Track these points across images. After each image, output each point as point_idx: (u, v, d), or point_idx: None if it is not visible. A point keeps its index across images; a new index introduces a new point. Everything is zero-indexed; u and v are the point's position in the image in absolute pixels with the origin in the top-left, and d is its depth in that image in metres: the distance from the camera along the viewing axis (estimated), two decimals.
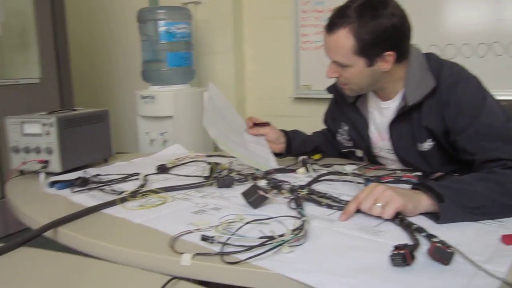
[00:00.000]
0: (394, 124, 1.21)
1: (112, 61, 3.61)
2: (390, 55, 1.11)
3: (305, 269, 0.64)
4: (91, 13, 3.64)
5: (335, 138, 1.43)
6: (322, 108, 1.52)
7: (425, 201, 0.86)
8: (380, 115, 1.27)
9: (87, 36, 3.69)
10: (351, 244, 0.74)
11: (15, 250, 0.74)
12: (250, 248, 0.69)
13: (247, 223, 0.81)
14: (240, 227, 0.79)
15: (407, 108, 1.15)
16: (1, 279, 0.64)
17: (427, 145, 1.17)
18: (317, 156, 1.42)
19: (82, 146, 1.39)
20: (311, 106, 2.74)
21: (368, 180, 1.05)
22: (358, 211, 0.87)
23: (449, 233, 0.77)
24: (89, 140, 1.42)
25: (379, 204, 0.83)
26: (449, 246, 0.67)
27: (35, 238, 0.80)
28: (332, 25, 1.12)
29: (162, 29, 2.54)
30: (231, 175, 1.18)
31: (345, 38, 1.09)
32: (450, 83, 1.10)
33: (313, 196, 0.96)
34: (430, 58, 1.18)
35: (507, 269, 0.64)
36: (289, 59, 2.78)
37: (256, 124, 1.40)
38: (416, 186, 0.92)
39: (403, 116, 1.18)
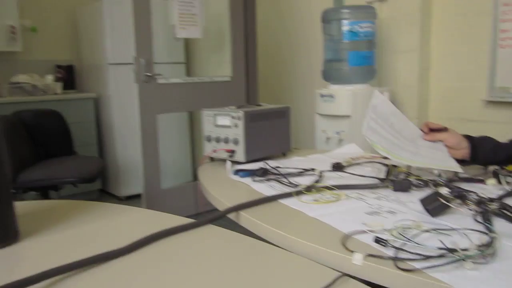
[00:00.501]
0: None
1: (294, 61, 3.77)
2: None
3: None
4: (278, 17, 3.86)
5: None
6: None
7: None
8: None
9: (273, 38, 3.92)
10: None
11: (203, 227, 0.83)
12: (427, 257, 0.65)
13: (426, 231, 0.76)
14: (417, 234, 0.74)
15: None
16: (189, 250, 0.73)
17: None
18: (511, 167, 1.26)
19: (264, 139, 1.48)
20: (508, 111, 2.42)
21: None
22: None
23: None
24: (271, 134, 1.51)
25: None
26: None
27: (220, 218, 0.89)
28: None
29: (345, 28, 2.54)
30: (408, 178, 1.12)
31: None
32: None
33: (506, 212, 0.85)
34: None
35: None
36: (482, 58, 2.50)
37: (433, 130, 1.30)
38: None
39: None
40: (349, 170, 1.32)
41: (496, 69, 2.45)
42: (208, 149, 1.49)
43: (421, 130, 1.31)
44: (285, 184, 1.14)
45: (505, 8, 2.37)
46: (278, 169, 1.27)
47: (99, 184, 4.04)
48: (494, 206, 0.87)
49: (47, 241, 0.75)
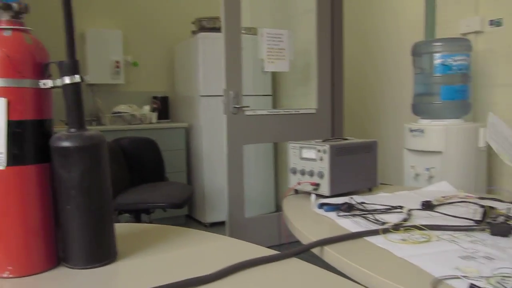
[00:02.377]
0: None
1: (382, 94, 3.70)
2: None
3: None
4: (365, 49, 3.84)
5: None
6: None
7: None
8: None
9: (360, 71, 3.90)
10: None
11: (286, 260, 0.83)
12: None
13: None
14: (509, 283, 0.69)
15: None
16: (274, 282, 0.73)
17: None
18: None
19: (350, 173, 1.46)
20: None
21: None
22: None
23: None
24: (357, 168, 1.49)
25: None
26: None
27: (305, 251, 0.89)
28: None
29: (437, 61, 2.46)
30: (508, 222, 1.04)
31: None
32: None
33: None
34: None
35: None
36: None
37: None
38: None
39: None
40: (440, 209, 1.25)
41: None
42: (293, 181, 1.50)
43: None
44: (371, 221, 1.11)
45: None
46: (363, 204, 1.25)
47: (186, 210, 4.21)
48: None
49: (140, 263, 0.80)
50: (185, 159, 4.25)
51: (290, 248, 0.85)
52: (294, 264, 0.82)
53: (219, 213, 3.86)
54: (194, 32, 4.15)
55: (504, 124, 1.30)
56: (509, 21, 2.63)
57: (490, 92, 2.76)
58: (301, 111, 3.48)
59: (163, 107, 4.52)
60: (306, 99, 3.79)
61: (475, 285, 0.67)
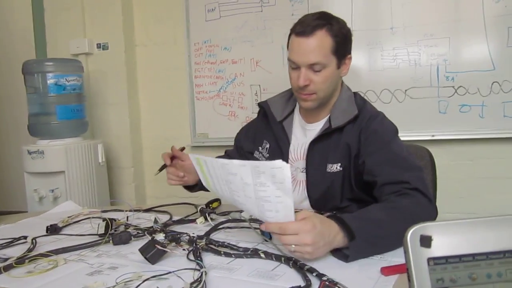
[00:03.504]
0: (314, 144, 1.30)
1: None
2: (349, 58, 1.29)
3: None
4: None
5: (246, 157, 1.47)
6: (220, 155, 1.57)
7: (337, 242, 0.89)
8: (304, 135, 1.37)
9: None
10: None
11: None
12: None
13: (146, 279, 0.80)
14: (139, 284, 0.78)
15: (330, 130, 1.27)
16: None
17: (336, 167, 1.27)
18: (215, 204, 1.45)
19: None
20: (208, 154, 2.77)
21: None
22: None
23: (337, 269, 0.84)
24: None
25: (292, 247, 0.85)
26: (336, 283, 0.73)
27: None
28: (310, 29, 1.21)
29: (51, 81, 2.44)
30: (128, 230, 1.16)
31: (325, 37, 1.21)
32: (370, 115, 1.27)
33: (212, 246, 0.98)
34: (356, 94, 1.35)
35: None
36: (185, 109, 2.82)
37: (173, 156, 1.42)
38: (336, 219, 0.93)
39: (324, 137, 1.28)
40: (66, 230, 1.26)
41: (196, 118, 2.80)
42: None
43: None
44: None
45: (197, 66, 2.75)
46: None
47: None
48: (202, 242, 0.99)
49: None
50: None
51: None
52: None
53: None
54: None
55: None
56: (113, 45, 2.89)
57: (104, 110, 2.96)
58: None
59: None
60: None
61: None
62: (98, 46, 2.95)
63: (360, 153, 1.23)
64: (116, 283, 0.79)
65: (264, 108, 1.46)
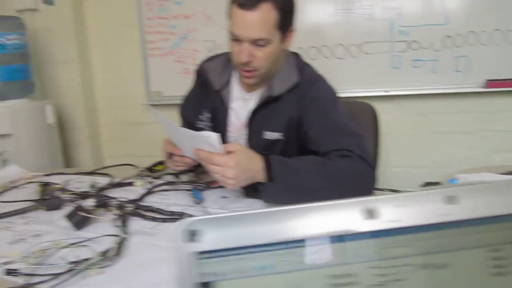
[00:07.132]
0: (255, 113, 1.25)
1: None
2: (292, 30, 1.20)
3: None
4: None
5: (194, 128, 1.42)
6: (175, 114, 1.50)
7: (258, 179, 0.99)
8: (243, 105, 1.31)
9: None
10: (163, 256, 0.76)
11: None
12: (58, 275, 0.68)
13: (64, 247, 0.79)
14: (56, 252, 0.76)
15: (271, 98, 1.22)
16: None
17: (276, 136, 1.24)
18: (160, 167, 1.43)
19: None
20: (164, 112, 2.72)
21: (195, 189, 1.09)
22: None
23: None
24: None
25: (218, 175, 0.96)
26: None
27: None
28: (254, 1, 1.10)
29: None
30: (63, 195, 1.13)
31: (270, 11, 1.12)
32: (310, 80, 1.23)
33: (139, 211, 0.97)
34: (297, 56, 1.29)
35: None
36: (138, 66, 2.73)
37: None
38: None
39: (264, 105, 1.23)
40: (4, 196, 1.23)
41: (150, 76, 2.72)
42: None
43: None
44: None
45: (149, 22, 2.65)
46: None
47: None
48: (130, 207, 0.98)
49: None
50: None
51: None
52: None
53: None
54: None
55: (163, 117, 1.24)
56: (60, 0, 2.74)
57: (53, 69, 2.84)
58: None
59: None
60: None
61: (9, 269, 0.70)
62: (44, 1, 2.78)
63: (302, 122, 1.21)
64: (32, 251, 0.77)
65: (201, 75, 1.40)
